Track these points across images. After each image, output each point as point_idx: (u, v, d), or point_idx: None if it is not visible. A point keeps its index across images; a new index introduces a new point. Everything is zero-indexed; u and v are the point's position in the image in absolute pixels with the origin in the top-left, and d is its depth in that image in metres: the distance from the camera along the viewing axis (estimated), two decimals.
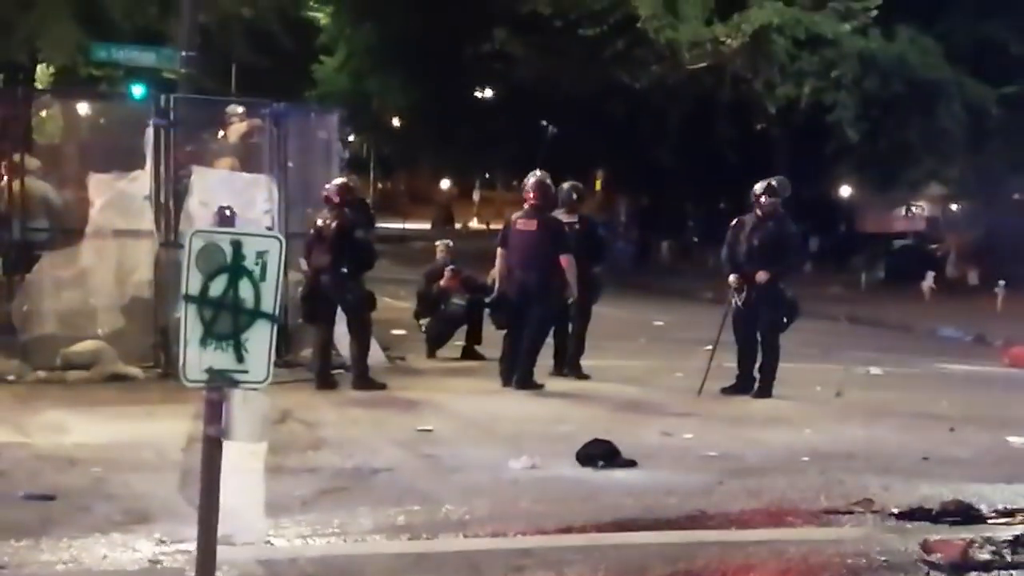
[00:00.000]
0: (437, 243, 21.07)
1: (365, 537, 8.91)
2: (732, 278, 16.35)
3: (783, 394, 16.07)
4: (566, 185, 17.61)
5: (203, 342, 6.14)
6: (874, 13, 36.34)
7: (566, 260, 16.24)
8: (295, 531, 8.93)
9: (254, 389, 6.23)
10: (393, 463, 11.44)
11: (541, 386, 16.19)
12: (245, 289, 6.17)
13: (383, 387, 15.82)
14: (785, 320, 16.30)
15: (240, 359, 6.18)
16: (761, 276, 15.99)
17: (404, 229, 67.14)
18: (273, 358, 6.35)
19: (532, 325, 16.22)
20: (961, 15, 38.71)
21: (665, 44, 37.33)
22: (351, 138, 57.42)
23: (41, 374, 15.68)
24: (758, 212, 16.32)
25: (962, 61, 37.92)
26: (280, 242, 6.30)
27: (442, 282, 19.41)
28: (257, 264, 6.15)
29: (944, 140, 38.48)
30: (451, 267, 19.58)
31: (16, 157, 16.59)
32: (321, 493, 10.14)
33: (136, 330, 16.32)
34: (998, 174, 41.09)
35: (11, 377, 15.48)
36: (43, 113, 20.59)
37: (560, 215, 17.03)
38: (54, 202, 16.90)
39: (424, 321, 19.55)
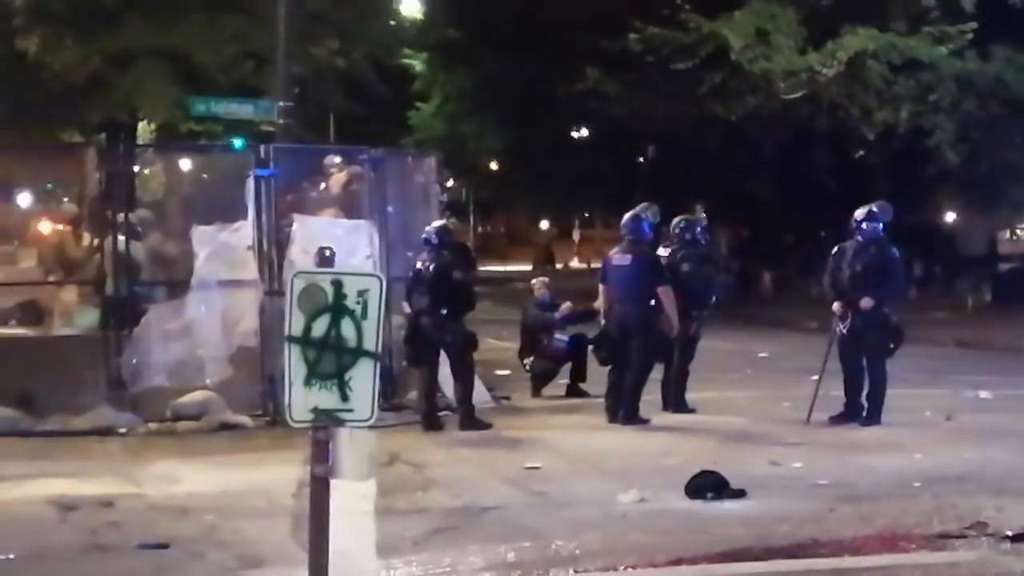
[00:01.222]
0: (533, 281, 21.03)
1: (477, 575, 8.92)
2: (836, 305, 16.25)
3: (892, 420, 15.92)
4: (676, 220, 17.63)
5: (307, 382, 6.20)
6: (969, 37, 36.03)
7: (663, 292, 16.21)
8: (406, 571, 8.97)
9: (360, 427, 6.26)
10: (502, 501, 11.47)
11: (647, 421, 16.15)
12: (347, 328, 6.23)
13: (489, 427, 15.85)
14: (891, 346, 16.14)
15: (345, 398, 6.24)
16: (865, 302, 15.87)
17: (505, 271, 67.23)
18: (378, 397, 6.38)
19: (634, 359, 16.19)
20: None
21: (760, 75, 37.17)
22: (449, 183, 57.63)
23: (152, 426, 15.89)
24: (859, 238, 16.22)
25: None
26: (380, 280, 6.37)
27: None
28: (358, 303, 6.21)
29: None
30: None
31: (121, 215, 16.83)
32: (431, 533, 10.18)
33: (244, 379, 16.45)
34: None
35: (122, 430, 15.68)
36: (147, 171, 20.88)
37: (668, 251, 17.10)
38: (169, 253, 17.12)
39: (528, 360, 19.56)
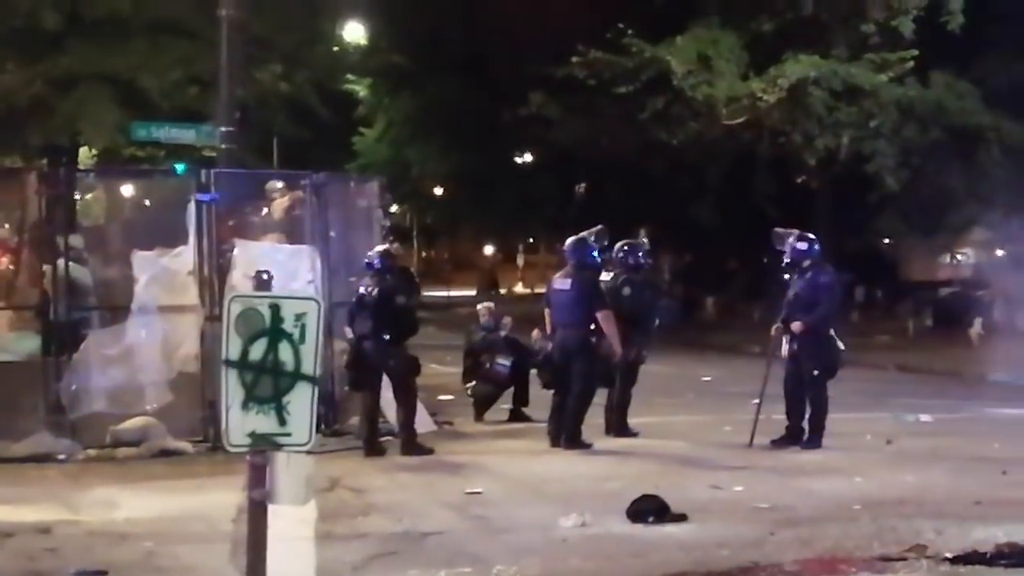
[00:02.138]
0: (479, 306, 21.07)
1: None
2: (773, 328, 16.39)
3: (833, 444, 15.99)
4: (619, 244, 17.64)
5: (245, 406, 6.17)
6: (910, 65, 36.35)
7: (603, 317, 16.22)
8: None
9: (298, 452, 6.24)
10: (443, 526, 11.44)
11: (589, 445, 16.15)
12: (285, 352, 6.21)
13: (431, 452, 15.83)
14: (825, 370, 16.17)
15: (283, 422, 6.21)
16: (796, 326, 16.00)
17: (449, 296, 67.23)
18: (315, 420, 6.36)
19: (576, 384, 16.21)
20: (997, 58, 38.62)
21: (702, 101, 37.39)
22: (393, 208, 57.58)
23: (91, 452, 15.76)
24: (787, 261, 16.39)
25: (1000, 104, 37.82)
26: (318, 304, 6.35)
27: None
28: (296, 327, 6.19)
29: (985, 184, 38.34)
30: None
31: (60, 239, 16.72)
32: (371, 558, 10.14)
33: (184, 405, 16.34)
34: None
35: (61, 456, 15.55)
36: (88, 195, 20.75)
37: (612, 275, 17.14)
38: (85, 285, 16.99)
39: (471, 384, 19.56)
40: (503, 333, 19.68)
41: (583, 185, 52.06)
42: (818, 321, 16.10)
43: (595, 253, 16.75)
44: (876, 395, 22.11)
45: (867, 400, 20.99)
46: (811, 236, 16.60)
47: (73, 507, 12.55)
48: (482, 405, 19.29)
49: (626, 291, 17.05)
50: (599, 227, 17.27)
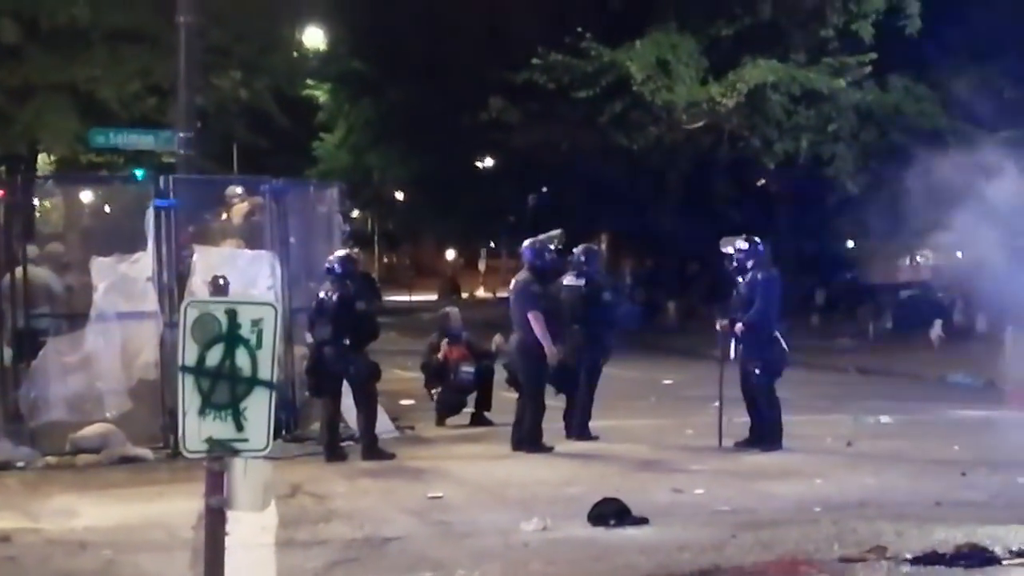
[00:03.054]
0: (448, 310, 20.89)
1: None
2: (717, 324, 16.55)
3: (794, 446, 16.03)
4: (577, 249, 17.67)
5: (202, 412, 6.15)
6: (868, 69, 36.51)
7: (533, 317, 16.22)
8: None
9: (255, 457, 6.22)
10: (404, 532, 11.41)
11: (550, 449, 16.15)
12: (242, 357, 6.18)
13: (392, 457, 15.79)
14: (765, 369, 16.24)
15: (240, 427, 6.19)
16: (738, 327, 16.08)
17: (411, 301, 67.10)
18: (274, 425, 6.34)
19: (524, 386, 16.26)
20: (954, 63, 38.83)
21: (661, 105, 37.49)
22: (354, 214, 57.52)
23: (50, 460, 15.66)
24: (733, 265, 16.51)
25: (957, 108, 38.00)
26: (275, 309, 6.33)
27: (440, 355, 19.40)
28: (253, 332, 6.17)
29: (944, 187, 38.50)
30: (446, 339, 19.55)
31: (18, 246, 16.65)
32: (332, 565, 10.12)
33: (144, 412, 16.28)
34: (1000, 219, 41.05)
35: (20, 464, 15.45)
36: (47, 203, 20.67)
37: (570, 278, 17.16)
38: (55, 289, 16.94)
39: (435, 391, 19.54)
40: (464, 336, 19.68)
41: (534, 196, 52.09)
42: (755, 319, 16.11)
43: (546, 255, 16.71)
44: (836, 397, 22.18)
45: (827, 402, 21.07)
46: (755, 238, 16.69)
47: (32, 515, 12.48)
48: (447, 412, 19.28)
49: (586, 294, 17.10)
50: (557, 231, 17.32)
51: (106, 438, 15.95)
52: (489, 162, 56.95)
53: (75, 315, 16.84)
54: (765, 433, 16.10)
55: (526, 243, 16.87)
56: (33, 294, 16.56)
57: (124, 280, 16.50)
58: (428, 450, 16.75)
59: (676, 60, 37.33)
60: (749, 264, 16.40)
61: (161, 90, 28.37)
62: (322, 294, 16.18)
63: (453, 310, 20.68)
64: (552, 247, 16.86)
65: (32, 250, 17.13)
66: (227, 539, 6.74)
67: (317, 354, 16.04)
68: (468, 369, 19.22)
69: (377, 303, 19.12)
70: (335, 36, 44.67)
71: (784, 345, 16.35)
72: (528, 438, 16.11)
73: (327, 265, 16.38)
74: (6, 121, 30.09)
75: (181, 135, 20.54)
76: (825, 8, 37.09)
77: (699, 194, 43.04)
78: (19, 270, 16.49)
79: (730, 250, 16.54)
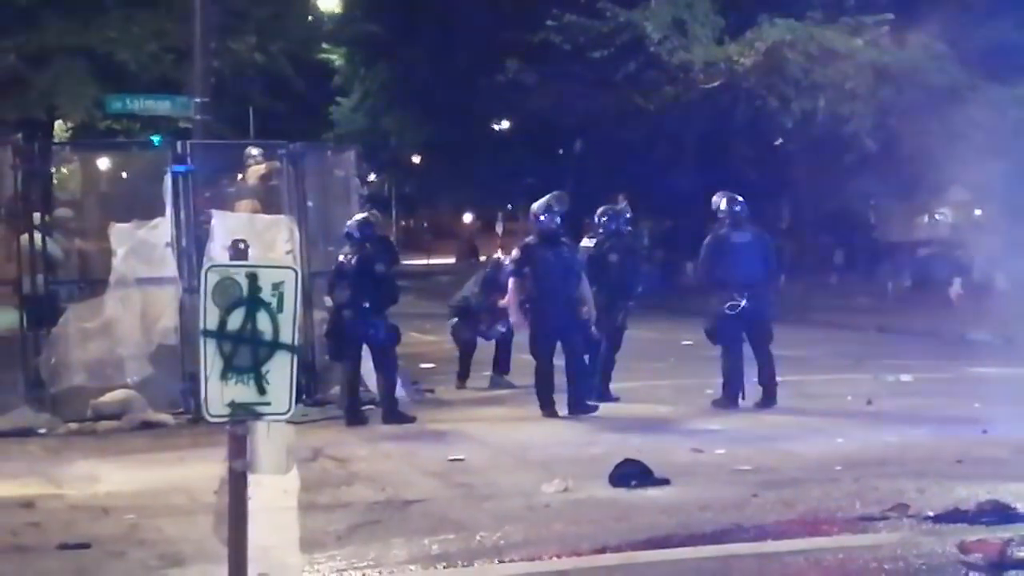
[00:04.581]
0: (503, 257, 20.33)
1: (400, 568, 8.90)
2: None
3: (814, 405, 16.07)
4: (600, 211, 17.65)
5: (224, 376, 6.15)
6: (885, 28, 36.34)
7: (511, 284, 16.48)
8: (330, 566, 8.94)
9: (278, 421, 6.22)
10: (426, 494, 11.44)
11: (595, 408, 16.14)
12: (263, 321, 6.18)
13: (413, 420, 15.80)
14: (711, 328, 16.56)
15: (262, 391, 6.19)
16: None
17: (429, 264, 67.14)
18: (295, 389, 6.33)
19: (576, 347, 16.38)
20: (972, 19, 38.58)
21: (678, 65, 37.35)
22: (372, 177, 57.50)
23: (72, 426, 15.72)
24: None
25: (975, 65, 37.79)
26: (296, 272, 6.32)
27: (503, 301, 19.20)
28: (274, 296, 6.16)
29: (962, 144, 38.34)
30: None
31: (37, 214, 16.66)
32: (355, 527, 10.15)
33: (164, 377, 16.32)
34: (1019, 175, 40.88)
35: (42, 430, 15.51)
36: (64, 169, 20.68)
37: (587, 240, 17.23)
38: (54, 255, 16.92)
39: (453, 321, 19.42)
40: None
41: (579, 143, 51.89)
42: (699, 276, 16.34)
43: (543, 217, 16.60)
44: (856, 356, 22.13)
45: (847, 361, 21.03)
46: (733, 196, 16.74)
47: (55, 481, 12.53)
48: (462, 347, 19.24)
49: (611, 257, 17.09)
50: (557, 192, 17.24)
51: (127, 403, 16.02)
52: (505, 124, 56.82)
53: (91, 281, 16.89)
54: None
55: (533, 206, 16.83)
56: (37, 260, 16.50)
57: (143, 245, 16.50)
58: (448, 413, 16.76)
59: (692, 19, 37.15)
60: (727, 223, 16.56)
61: (178, 50, 28.30)
62: (341, 258, 16.18)
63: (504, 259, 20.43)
64: (556, 208, 16.75)
65: (63, 213, 17.19)
66: (249, 503, 6.76)
67: (336, 318, 16.04)
68: (501, 328, 18.96)
69: (395, 266, 19.02)
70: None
71: (726, 308, 16.40)
72: (572, 400, 16.07)
73: (346, 229, 16.38)
74: (24, 87, 30.10)
75: (197, 100, 20.57)
76: None
77: (717, 154, 42.90)
78: (26, 237, 16.47)
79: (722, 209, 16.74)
